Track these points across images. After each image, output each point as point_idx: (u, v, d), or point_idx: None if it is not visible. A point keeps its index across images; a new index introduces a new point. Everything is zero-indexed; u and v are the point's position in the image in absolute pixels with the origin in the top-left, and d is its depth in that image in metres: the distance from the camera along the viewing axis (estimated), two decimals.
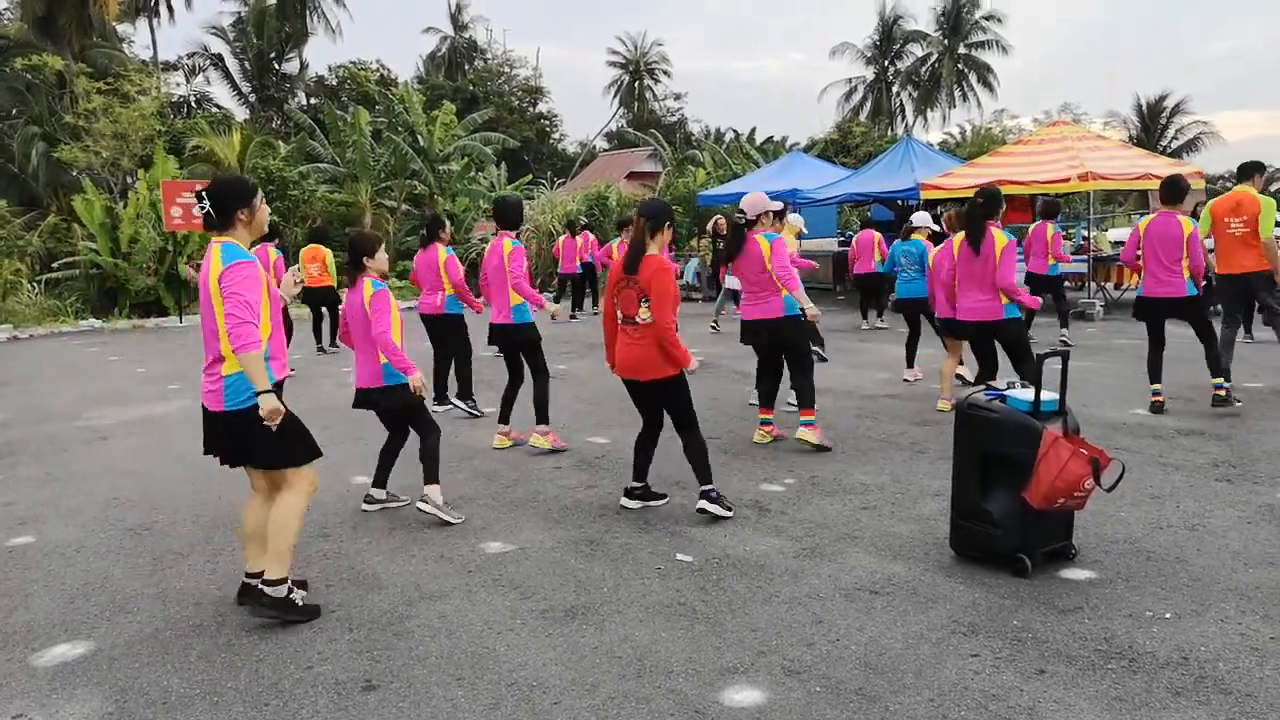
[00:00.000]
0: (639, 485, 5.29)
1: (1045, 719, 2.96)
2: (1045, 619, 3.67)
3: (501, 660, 3.45)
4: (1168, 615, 3.67)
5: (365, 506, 5.34)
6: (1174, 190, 7.26)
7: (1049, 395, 4.09)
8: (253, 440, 3.70)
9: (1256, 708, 2.98)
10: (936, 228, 9.57)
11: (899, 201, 18.31)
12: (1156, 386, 7.37)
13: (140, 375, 10.87)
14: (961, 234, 6.63)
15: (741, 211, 6.45)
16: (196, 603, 4.06)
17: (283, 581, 3.76)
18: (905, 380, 8.98)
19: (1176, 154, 42.91)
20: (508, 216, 6.77)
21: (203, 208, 3.76)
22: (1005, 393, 4.19)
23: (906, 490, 5.44)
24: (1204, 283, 7.37)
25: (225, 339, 3.57)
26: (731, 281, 10.28)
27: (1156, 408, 7.33)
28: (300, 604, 3.82)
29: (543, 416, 6.64)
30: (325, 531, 4.97)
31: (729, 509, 5.04)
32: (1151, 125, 47.15)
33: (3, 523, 5.29)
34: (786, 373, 6.74)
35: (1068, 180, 13.92)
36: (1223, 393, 7.14)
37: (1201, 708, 2.99)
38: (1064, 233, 13.04)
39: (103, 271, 19.09)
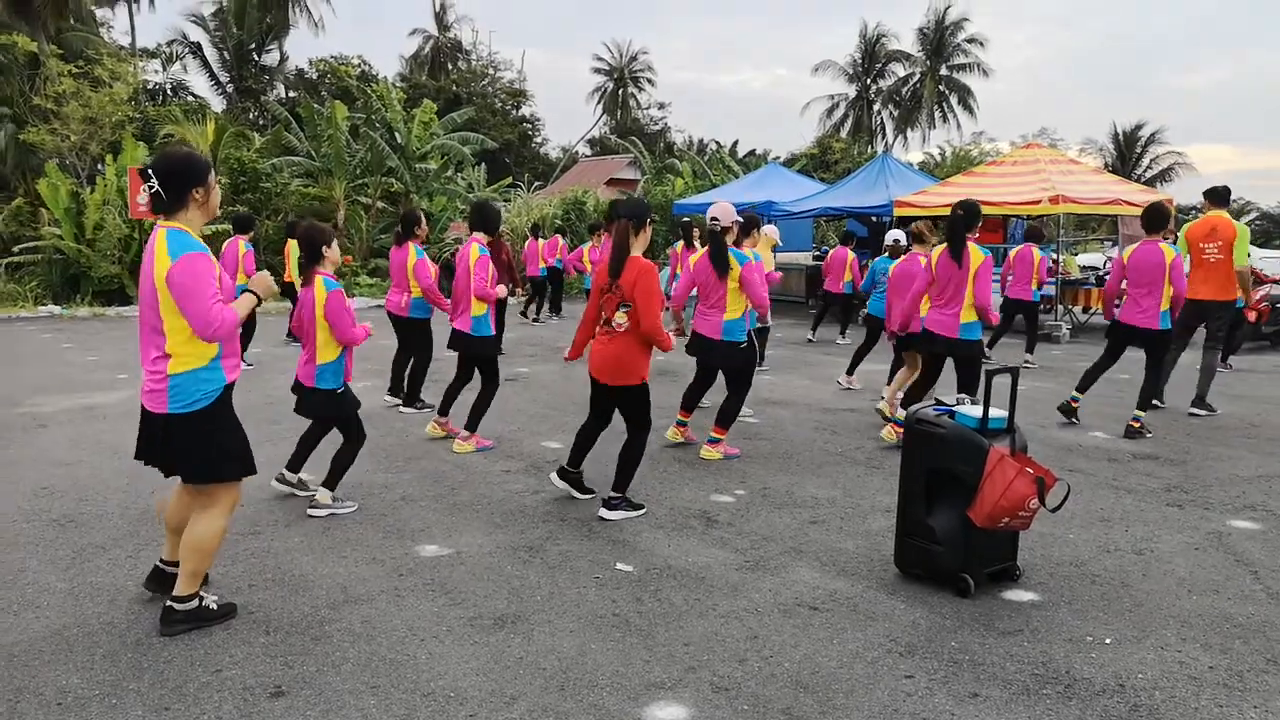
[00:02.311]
0: (574, 471, 5.35)
1: None
2: (984, 641, 3.59)
3: (421, 668, 3.32)
4: (1108, 640, 3.60)
5: (274, 483, 5.40)
6: (1155, 218, 7.23)
7: (997, 412, 4.02)
8: (188, 448, 3.45)
9: None
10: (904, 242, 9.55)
11: (873, 218, 18.35)
12: (1078, 394, 7.59)
13: (90, 363, 10.60)
14: (942, 246, 6.57)
15: (715, 219, 6.34)
16: (111, 599, 3.89)
17: (192, 596, 3.59)
18: (838, 382, 9.35)
19: (1150, 183, 43.48)
20: (483, 219, 6.70)
21: (150, 188, 3.36)
22: (954, 408, 4.11)
23: (857, 505, 5.36)
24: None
25: (173, 336, 3.33)
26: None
27: (1067, 409, 7.58)
28: (214, 608, 3.65)
29: (473, 424, 6.57)
30: (256, 529, 4.80)
31: (638, 507, 5.16)
32: (1127, 154, 47.77)
33: None
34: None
35: (1039, 202, 13.99)
36: (1137, 424, 7.19)
37: None
38: (1050, 258, 13.02)
39: (66, 257, 18.71)
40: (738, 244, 6.69)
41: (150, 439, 3.50)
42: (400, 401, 8.02)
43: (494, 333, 6.69)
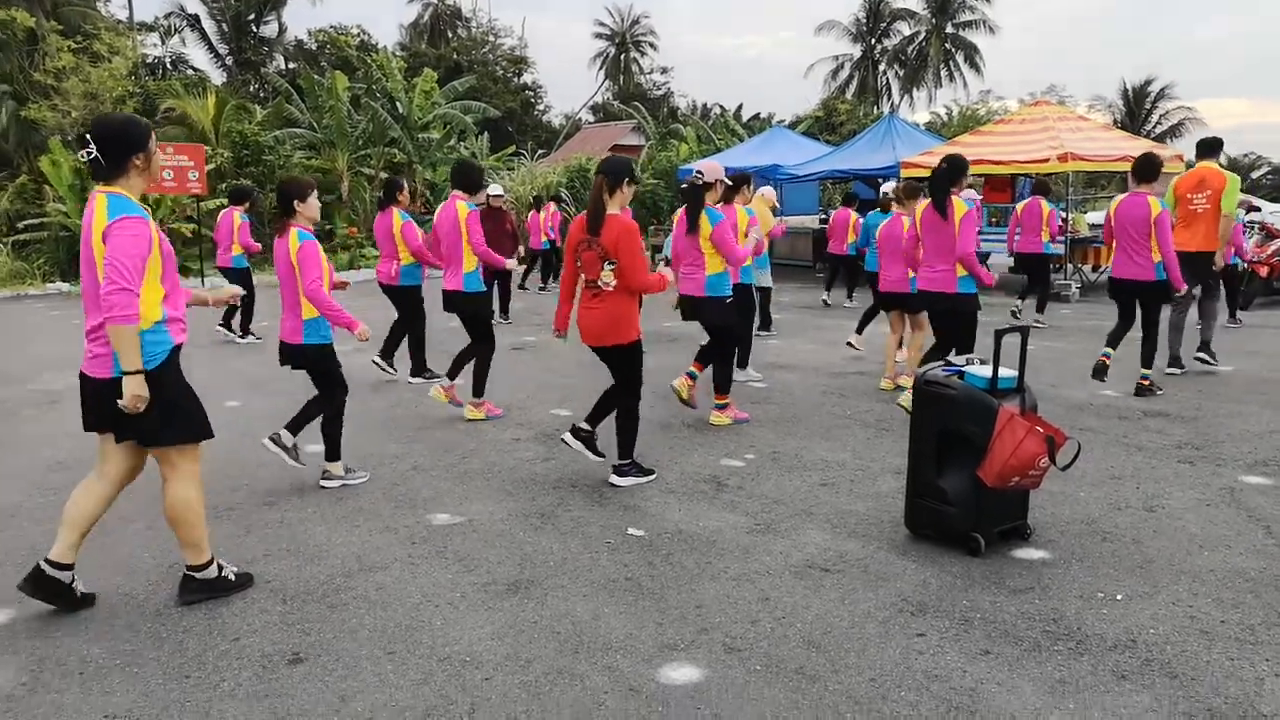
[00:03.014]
0: (586, 429, 5.16)
1: (986, 700, 2.89)
2: (995, 599, 3.60)
3: (436, 634, 3.35)
4: (1119, 597, 3.61)
5: (265, 441, 5.07)
6: (1146, 169, 7.11)
7: (1007, 372, 4.00)
8: (147, 410, 3.30)
9: (1200, 692, 2.92)
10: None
11: (879, 179, 18.18)
12: (1109, 350, 7.30)
13: None
14: (926, 202, 6.52)
15: (699, 173, 6.25)
16: (129, 571, 3.94)
17: (209, 563, 3.62)
18: (849, 344, 8.75)
19: (1160, 139, 42.96)
20: (466, 178, 6.62)
21: (89, 154, 3.25)
22: (963, 369, 4.10)
23: (867, 467, 5.37)
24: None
25: None
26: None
27: (1100, 367, 7.22)
28: (232, 578, 3.69)
29: (479, 389, 6.57)
30: (270, 500, 4.84)
31: (648, 472, 5.16)
32: (1136, 110, 47.16)
33: None
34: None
35: (1047, 160, 13.84)
36: (1147, 382, 7.13)
37: (1145, 691, 2.93)
38: (1060, 215, 12.86)
39: (72, 234, 18.71)
40: (727, 201, 6.63)
41: (96, 408, 3.39)
42: (388, 366, 8.02)
43: (486, 289, 6.67)
